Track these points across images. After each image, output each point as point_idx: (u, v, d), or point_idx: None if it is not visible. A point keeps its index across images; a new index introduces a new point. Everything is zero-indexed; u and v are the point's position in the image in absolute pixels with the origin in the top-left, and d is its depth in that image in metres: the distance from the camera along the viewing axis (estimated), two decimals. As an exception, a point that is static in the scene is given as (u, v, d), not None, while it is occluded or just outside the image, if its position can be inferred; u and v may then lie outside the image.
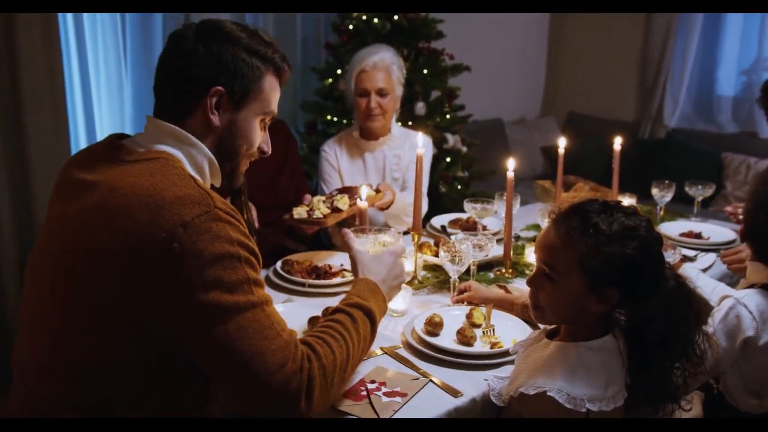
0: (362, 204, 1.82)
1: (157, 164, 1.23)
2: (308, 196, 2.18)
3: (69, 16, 3.12)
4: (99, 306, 1.17)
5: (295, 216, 2.03)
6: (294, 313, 1.77)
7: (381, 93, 2.61)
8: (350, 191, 2.19)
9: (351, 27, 3.59)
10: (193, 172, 1.30)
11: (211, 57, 1.29)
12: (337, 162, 2.74)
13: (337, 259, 2.20)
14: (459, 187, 3.68)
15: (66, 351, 1.22)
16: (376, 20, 3.52)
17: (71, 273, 1.21)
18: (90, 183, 1.24)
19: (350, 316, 1.37)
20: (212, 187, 1.35)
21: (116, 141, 1.32)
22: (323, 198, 2.12)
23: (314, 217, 2.05)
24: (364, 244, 1.73)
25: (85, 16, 3.18)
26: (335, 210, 2.05)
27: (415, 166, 2.78)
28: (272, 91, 1.37)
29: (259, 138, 1.40)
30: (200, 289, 1.14)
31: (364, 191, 1.89)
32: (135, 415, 1.20)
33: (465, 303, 1.89)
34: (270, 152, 1.46)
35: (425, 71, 3.58)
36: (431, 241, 2.33)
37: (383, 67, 2.60)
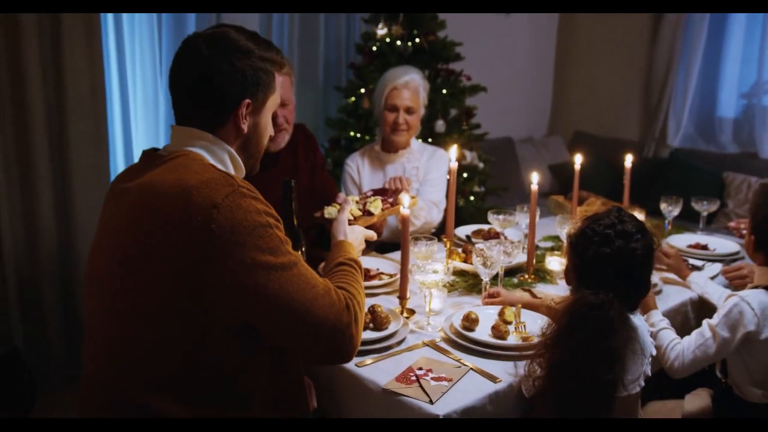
0: (405, 211, 2.00)
1: (178, 160, 1.38)
2: (341, 195, 2.29)
3: (111, 35, 3.32)
4: (157, 293, 1.30)
5: (326, 215, 2.07)
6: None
7: (409, 110, 2.83)
8: (384, 193, 2.25)
9: (374, 48, 3.79)
10: (216, 165, 1.43)
11: (237, 74, 1.41)
12: (359, 175, 2.93)
13: (373, 263, 2.38)
14: (475, 201, 3.87)
15: (126, 338, 1.35)
16: (398, 42, 3.73)
17: (124, 267, 1.34)
18: (127, 189, 1.40)
19: (353, 267, 1.60)
20: None
21: (148, 152, 1.47)
22: (357, 198, 2.16)
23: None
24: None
25: (126, 31, 3.36)
26: (367, 213, 2.09)
27: (430, 176, 3.01)
28: (279, 87, 1.55)
29: (270, 128, 1.57)
30: (248, 258, 1.28)
31: (407, 200, 2.04)
32: (192, 390, 1.34)
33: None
34: (274, 133, 1.65)
35: (444, 91, 3.78)
36: (458, 249, 2.51)
37: (413, 87, 2.82)
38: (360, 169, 2.93)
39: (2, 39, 2.77)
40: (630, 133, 5.53)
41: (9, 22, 2.77)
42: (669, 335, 1.94)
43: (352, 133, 3.83)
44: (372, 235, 1.87)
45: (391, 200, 2.16)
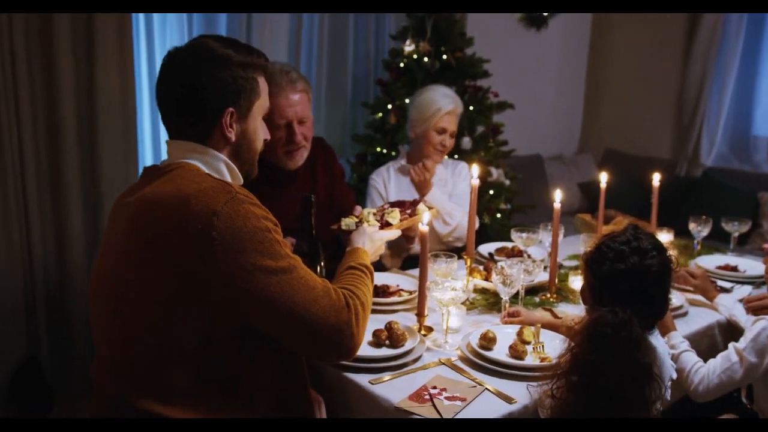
0: (424, 228, 1.99)
1: (175, 172, 1.41)
2: (358, 207, 2.30)
3: (143, 46, 3.39)
4: (160, 297, 1.33)
5: (343, 227, 2.04)
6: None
7: (452, 134, 2.93)
8: (402, 205, 2.23)
9: (402, 65, 3.80)
10: (212, 174, 1.45)
11: (217, 84, 1.43)
12: (386, 189, 2.94)
13: (393, 280, 2.38)
14: (500, 218, 3.84)
15: (129, 341, 1.38)
16: (426, 59, 3.74)
17: (128, 274, 1.36)
18: (128, 203, 1.44)
19: (363, 272, 1.64)
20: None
21: (148, 168, 1.50)
22: (374, 210, 2.13)
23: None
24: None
25: (156, 34, 3.43)
26: (385, 224, 2.06)
27: (458, 191, 3.03)
28: (265, 90, 1.55)
29: (263, 132, 1.59)
30: (248, 264, 1.31)
31: (426, 216, 2.04)
32: (195, 392, 1.35)
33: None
34: (269, 138, 1.64)
35: (471, 108, 3.77)
36: (480, 267, 2.49)
37: (459, 113, 2.95)
38: (387, 183, 2.95)
39: (37, 52, 2.85)
40: (662, 152, 5.45)
41: (44, 29, 2.83)
42: (692, 358, 1.89)
43: (378, 149, 3.84)
44: (393, 235, 1.96)
45: (408, 211, 2.16)
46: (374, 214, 2.07)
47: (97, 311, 1.46)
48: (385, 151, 3.81)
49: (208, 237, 1.29)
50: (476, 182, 2.27)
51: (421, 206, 2.16)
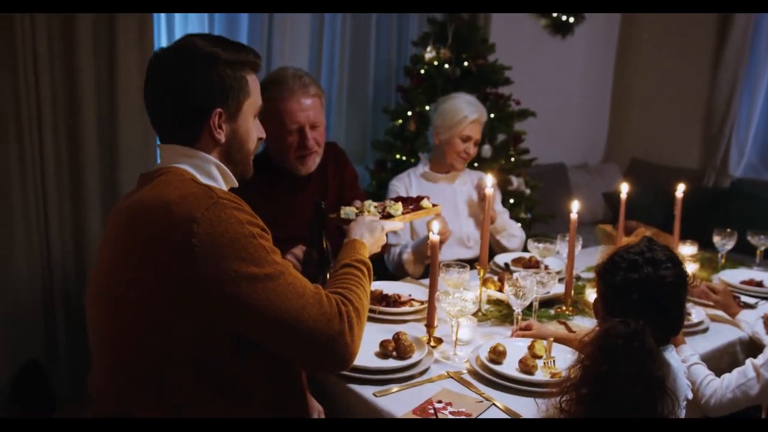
0: (434, 238, 1.95)
1: (162, 177, 1.39)
2: (358, 201, 2.19)
3: (164, 39, 3.41)
4: (149, 307, 1.31)
5: (342, 215, 1.96)
6: (366, 335, 1.87)
7: (476, 142, 2.91)
8: (406, 201, 2.15)
9: (422, 72, 3.77)
10: (203, 179, 1.43)
11: (203, 85, 1.40)
12: (407, 194, 2.88)
13: (406, 289, 2.34)
14: (520, 227, 3.78)
15: (121, 353, 1.37)
16: (446, 66, 3.70)
17: (126, 278, 1.34)
18: (119, 210, 1.43)
19: (360, 270, 1.57)
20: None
21: (142, 174, 1.48)
22: (375, 204, 2.04)
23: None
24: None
25: (177, 34, 3.44)
26: (387, 216, 1.97)
27: (482, 200, 3.00)
28: (256, 89, 1.51)
29: (256, 131, 1.54)
30: (231, 271, 1.28)
31: (436, 226, 2.00)
32: (191, 394, 1.33)
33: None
34: (264, 137, 1.59)
35: (492, 115, 3.72)
36: (495, 277, 2.44)
37: (483, 121, 2.92)
38: (408, 190, 2.91)
39: (59, 53, 2.87)
40: (690, 162, 5.33)
41: (65, 29, 2.85)
42: (702, 371, 1.84)
43: (398, 156, 3.81)
44: (395, 227, 1.90)
45: (412, 207, 2.08)
46: (376, 206, 2.00)
47: (96, 314, 1.44)
48: (404, 158, 3.77)
49: (189, 244, 1.27)
50: (491, 191, 2.23)
51: (425, 202, 2.09)
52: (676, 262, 1.56)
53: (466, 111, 2.85)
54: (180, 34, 3.46)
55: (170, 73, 1.41)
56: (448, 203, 2.90)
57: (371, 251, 1.74)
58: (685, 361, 1.85)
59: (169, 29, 3.43)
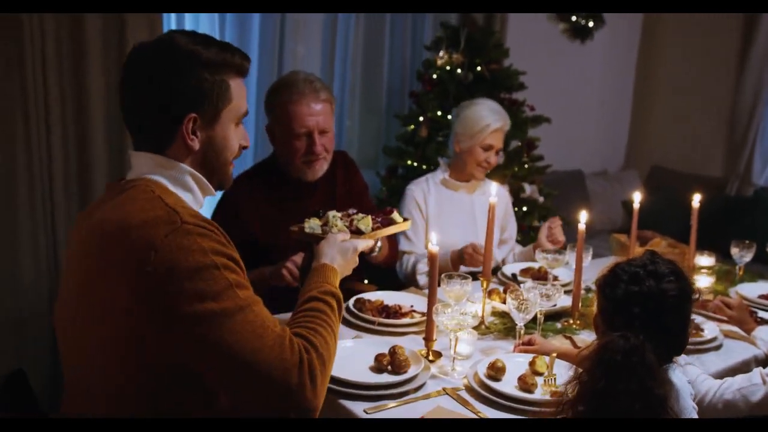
0: (434, 248, 1.89)
1: (129, 193, 1.29)
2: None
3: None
4: (107, 332, 1.23)
5: (307, 229, 1.80)
6: (362, 348, 1.85)
7: (497, 151, 2.80)
8: (373, 213, 1.98)
9: (434, 76, 3.71)
10: (178, 191, 1.34)
11: (178, 87, 1.29)
12: (425, 202, 2.82)
13: (407, 300, 2.27)
14: (533, 236, 3.70)
15: (83, 374, 1.31)
16: (459, 71, 3.64)
17: (77, 309, 1.28)
18: (81, 226, 1.34)
19: (328, 304, 1.42)
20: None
21: (109, 184, 1.39)
22: (340, 215, 1.88)
23: (330, 232, 1.76)
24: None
25: None
26: (356, 231, 1.81)
27: (507, 211, 2.96)
28: (240, 95, 1.39)
29: (238, 139, 1.42)
30: (186, 304, 1.17)
31: (434, 236, 1.93)
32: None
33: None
34: (249, 145, 1.47)
35: (505, 121, 3.65)
36: (500, 288, 2.37)
37: (506, 129, 2.82)
38: (426, 196, 2.83)
39: (68, 54, 2.85)
40: (712, 170, 5.20)
41: (74, 30, 2.83)
42: (696, 370, 1.76)
43: (409, 162, 3.75)
44: (368, 245, 1.75)
45: (380, 219, 1.92)
46: (341, 218, 1.84)
47: (61, 335, 1.37)
48: (415, 164, 3.71)
49: (143, 272, 1.18)
50: (494, 200, 2.16)
51: (395, 215, 1.96)
52: (680, 276, 1.49)
53: (488, 119, 2.74)
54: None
55: (144, 71, 1.31)
56: (466, 214, 2.83)
57: (343, 275, 1.60)
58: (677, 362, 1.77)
59: (179, 27, 3.40)
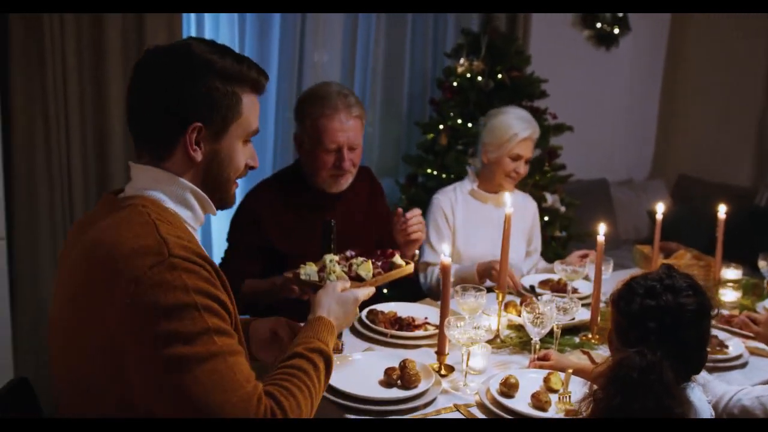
0: (446, 260, 1.84)
1: (123, 213, 1.23)
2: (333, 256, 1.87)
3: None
4: (88, 356, 1.20)
5: (302, 276, 1.66)
6: (372, 361, 1.81)
7: (527, 161, 2.74)
8: (373, 256, 1.84)
9: (455, 84, 3.67)
10: (178, 208, 1.30)
11: (183, 93, 1.24)
12: (453, 213, 2.77)
13: (422, 312, 2.23)
14: (555, 247, 3.63)
15: (65, 385, 1.28)
16: (479, 78, 3.59)
17: (64, 321, 1.24)
18: (73, 243, 1.29)
19: (313, 363, 1.31)
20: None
21: (107, 196, 1.33)
22: (337, 258, 1.76)
23: (325, 281, 1.64)
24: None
25: (207, 36, 3.42)
26: (356, 278, 1.67)
27: (534, 223, 2.91)
28: (252, 111, 1.34)
29: (245, 157, 1.37)
30: (156, 343, 1.11)
31: (447, 249, 1.88)
32: None
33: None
34: (257, 165, 1.41)
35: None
36: (517, 300, 2.31)
37: (535, 138, 2.75)
38: (454, 207, 2.77)
39: (88, 54, 2.87)
40: (741, 179, 5.08)
41: (94, 31, 2.85)
42: (708, 376, 1.71)
43: (429, 171, 3.70)
44: (368, 294, 1.60)
45: (380, 263, 1.79)
46: (339, 262, 1.71)
47: (50, 342, 1.33)
48: (435, 172, 3.67)
49: (123, 304, 1.12)
50: (510, 211, 2.11)
51: (396, 258, 1.82)
52: (698, 291, 1.44)
53: (516, 128, 2.67)
54: (210, 35, 3.41)
55: (154, 73, 1.27)
56: (494, 226, 2.75)
57: (340, 329, 1.51)
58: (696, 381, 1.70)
59: (198, 32, 3.39)
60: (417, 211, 2.37)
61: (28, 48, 2.72)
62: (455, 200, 2.79)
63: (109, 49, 2.88)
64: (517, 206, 2.83)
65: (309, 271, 1.65)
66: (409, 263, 1.83)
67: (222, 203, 1.39)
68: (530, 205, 2.94)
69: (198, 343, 1.13)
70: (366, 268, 1.70)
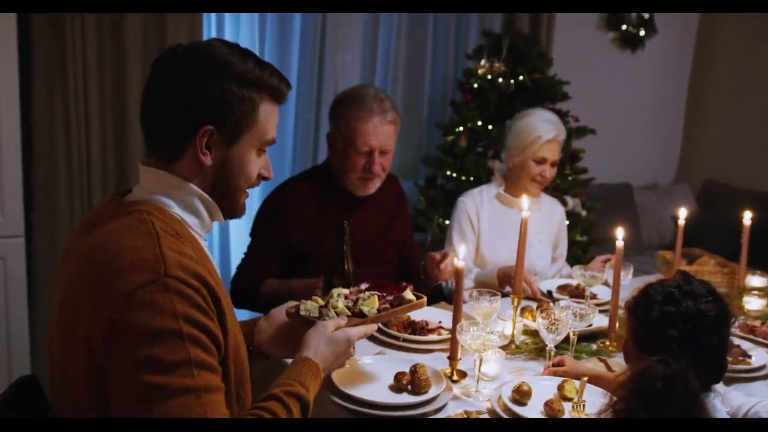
0: (459, 263, 1.81)
1: (127, 221, 1.19)
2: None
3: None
4: (78, 362, 1.17)
5: (302, 312, 1.54)
6: (383, 366, 1.78)
7: (554, 164, 2.68)
8: (383, 289, 1.68)
9: (476, 86, 3.63)
10: (185, 214, 1.27)
11: (197, 93, 1.20)
12: (478, 217, 2.72)
13: (436, 316, 2.20)
14: (575, 251, 3.58)
15: (55, 385, 1.26)
16: (500, 80, 3.55)
17: (57, 321, 1.22)
18: (77, 246, 1.25)
19: (287, 409, 1.24)
20: None
21: (114, 197, 1.30)
22: (347, 292, 1.63)
23: (324, 318, 1.51)
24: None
25: (227, 36, 3.40)
26: (358, 314, 1.54)
27: (561, 228, 2.87)
28: (269, 120, 1.29)
29: (258, 167, 1.32)
30: (134, 365, 1.07)
31: (462, 250, 1.85)
32: None
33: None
34: (271, 176, 1.36)
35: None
36: (534, 305, 2.27)
37: (562, 140, 2.69)
38: (479, 210, 2.73)
39: (109, 54, 2.89)
40: (769, 184, 4.97)
41: (115, 31, 2.87)
42: (727, 387, 1.65)
43: (448, 173, 3.67)
44: (367, 332, 1.50)
45: (390, 298, 1.64)
46: (347, 297, 1.60)
47: (49, 347, 1.30)
48: (454, 175, 3.63)
49: (110, 319, 1.09)
50: (527, 215, 2.07)
51: (407, 293, 1.67)
52: (717, 297, 1.40)
53: (540, 130, 2.61)
54: (231, 36, 3.42)
55: (170, 72, 1.23)
56: (518, 232, 2.72)
57: (329, 371, 1.42)
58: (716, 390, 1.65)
59: (219, 32, 3.39)
60: (451, 257, 2.32)
61: (49, 49, 2.76)
62: (481, 204, 2.74)
63: (129, 50, 2.90)
64: (545, 211, 2.81)
65: (309, 306, 1.54)
66: (422, 298, 1.68)
67: (230, 212, 1.35)
68: (558, 210, 2.89)
69: (175, 374, 1.08)
70: (370, 303, 1.56)
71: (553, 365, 1.84)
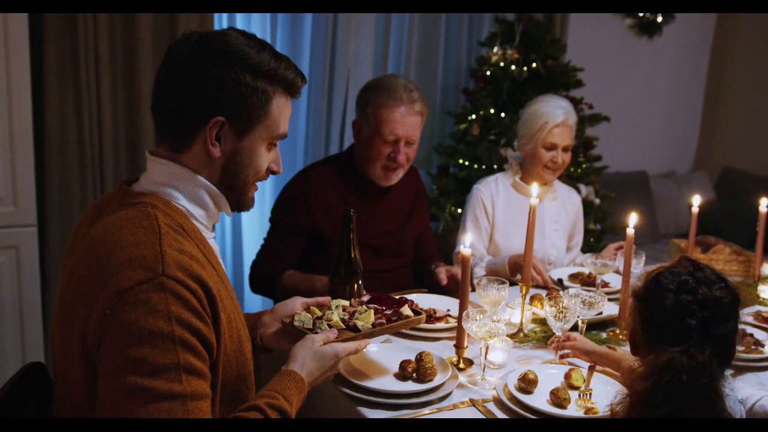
0: (465, 251, 1.80)
1: (132, 213, 1.17)
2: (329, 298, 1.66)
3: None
4: (73, 354, 1.16)
5: (296, 322, 1.50)
6: (388, 354, 1.77)
7: (566, 149, 2.63)
8: (382, 302, 1.66)
9: (488, 73, 3.60)
10: (191, 206, 1.25)
11: (210, 83, 1.18)
12: (493, 205, 2.70)
13: (444, 304, 2.19)
14: (589, 239, 3.54)
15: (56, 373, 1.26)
16: (513, 67, 3.52)
17: (61, 319, 1.21)
18: (83, 235, 1.24)
19: (264, 417, 1.21)
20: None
21: (122, 186, 1.28)
22: (346, 303, 1.61)
23: (317, 330, 1.47)
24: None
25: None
26: (352, 328, 1.49)
27: (577, 218, 2.83)
28: (282, 114, 1.27)
29: (267, 161, 1.30)
30: (122, 363, 1.05)
31: (468, 239, 1.83)
32: None
33: (566, 360, 1.81)
34: (281, 171, 1.34)
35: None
36: (543, 293, 2.25)
37: (573, 124, 2.63)
38: (495, 198, 2.70)
39: (121, 53, 2.90)
40: (789, 172, 4.89)
41: (126, 31, 2.88)
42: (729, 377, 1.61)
43: (460, 161, 3.65)
44: (358, 349, 1.44)
45: (389, 312, 1.60)
46: (344, 309, 1.57)
47: (52, 336, 1.30)
48: (467, 163, 3.61)
49: (104, 315, 1.07)
50: (535, 202, 2.05)
51: (405, 309, 1.61)
52: (727, 282, 1.35)
53: (548, 115, 2.57)
54: (242, 24, 3.42)
55: (183, 59, 1.20)
56: (537, 219, 2.70)
57: (314, 386, 1.36)
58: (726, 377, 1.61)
59: (230, 19, 3.38)
60: (457, 273, 2.31)
61: (62, 45, 2.77)
62: (496, 192, 2.71)
63: (141, 43, 2.90)
64: (561, 200, 2.78)
65: (304, 317, 1.50)
66: (421, 314, 1.63)
67: (238, 205, 1.33)
68: (574, 200, 2.85)
69: (162, 378, 1.06)
70: (365, 318, 1.52)
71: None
